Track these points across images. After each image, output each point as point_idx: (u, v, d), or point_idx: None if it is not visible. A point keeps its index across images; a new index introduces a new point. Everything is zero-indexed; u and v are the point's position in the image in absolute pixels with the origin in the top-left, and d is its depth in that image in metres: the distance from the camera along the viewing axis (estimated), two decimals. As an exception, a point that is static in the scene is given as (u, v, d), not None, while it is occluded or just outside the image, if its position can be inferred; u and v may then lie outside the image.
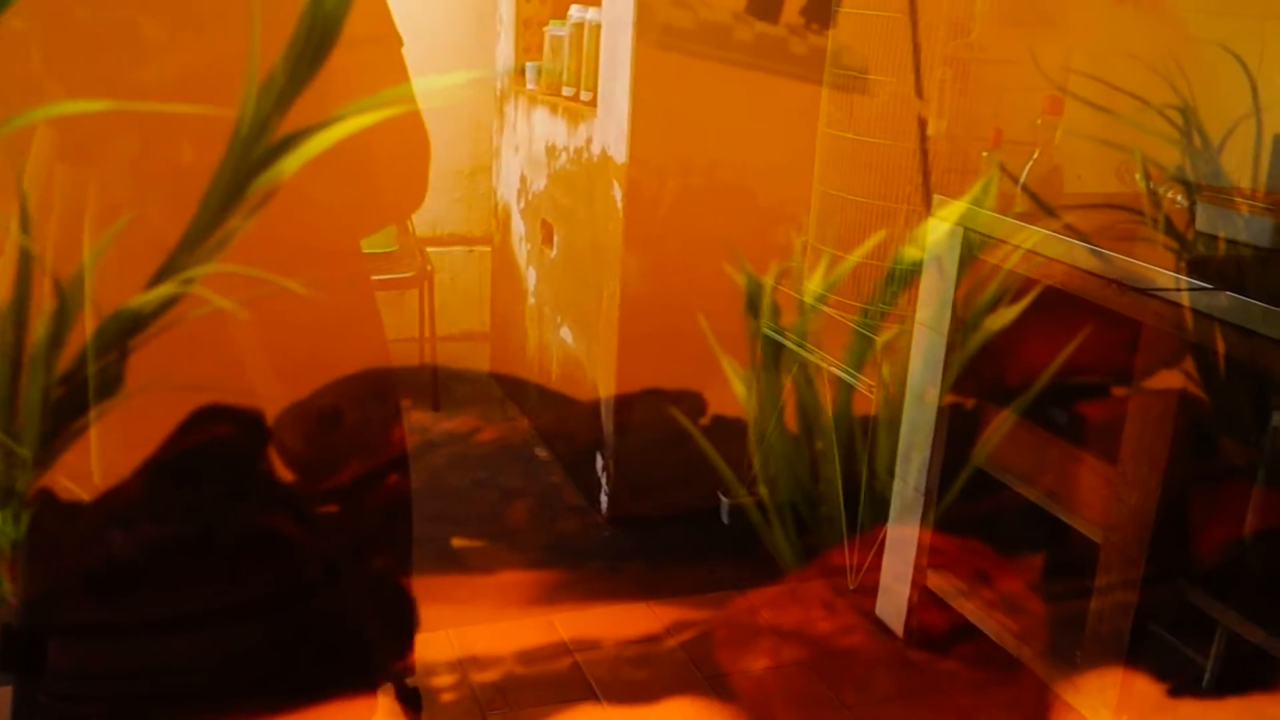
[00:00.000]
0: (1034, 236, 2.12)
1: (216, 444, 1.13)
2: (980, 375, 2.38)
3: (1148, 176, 2.12)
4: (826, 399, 2.68)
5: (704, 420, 3.01)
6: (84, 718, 1.21)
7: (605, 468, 3.10)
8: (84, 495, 1.10)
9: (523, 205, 3.66)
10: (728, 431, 2.95)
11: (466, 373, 4.13)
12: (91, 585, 1.17)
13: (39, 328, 1.00)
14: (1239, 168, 2.09)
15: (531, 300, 3.63)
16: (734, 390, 2.82)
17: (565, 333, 3.35)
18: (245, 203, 0.97)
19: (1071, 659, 2.18)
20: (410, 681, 1.53)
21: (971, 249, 2.29)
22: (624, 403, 3.00)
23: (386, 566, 1.40)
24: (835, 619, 2.63)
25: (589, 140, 3.08)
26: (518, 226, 3.72)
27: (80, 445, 1.07)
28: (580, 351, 3.25)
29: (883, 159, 2.54)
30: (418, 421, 3.70)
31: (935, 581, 2.49)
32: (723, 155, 2.90)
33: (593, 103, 3.06)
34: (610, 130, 2.93)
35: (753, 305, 2.75)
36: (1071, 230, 2.07)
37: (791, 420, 2.75)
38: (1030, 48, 2.33)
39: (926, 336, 2.41)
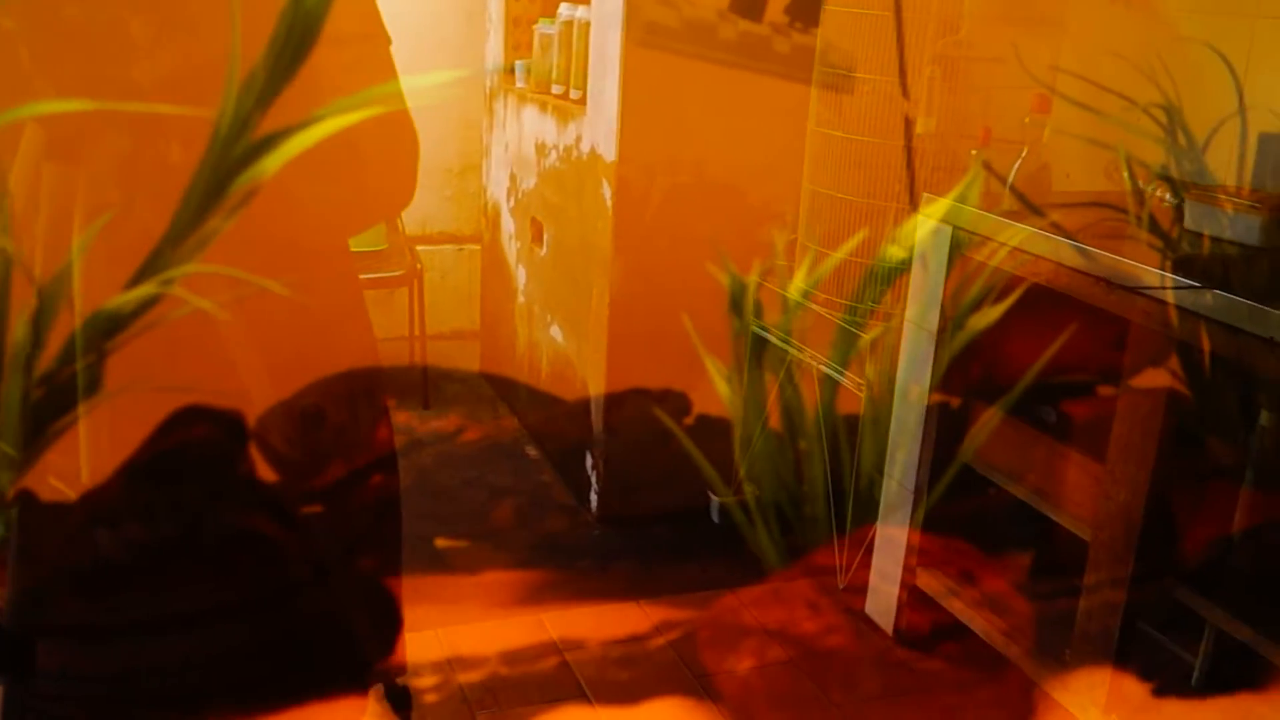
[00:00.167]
0: (1021, 234, 2.12)
1: (196, 445, 1.12)
2: (968, 373, 2.38)
3: (1133, 175, 2.12)
4: (812, 398, 2.68)
5: (689, 419, 3.01)
6: (72, 719, 1.21)
7: (595, 466, 3.10)
8: (72, 495, 1.10)
9: (512, 203, 3.66)
10: (714, 430, 2.95)
11: (456, 371, 4.13)
12: (76, 585, 1.16)
13: (19, 328, 0.99)
14: (1224, 166, 2.10)
15: (521, 299, 3.62)
16: (718, 390, 2.82)
17: (555, 331, 3.35)
18: (226, 202, 0.97)
19: (1060, 657, 2.19)
20: (400, 681, 1.53)
21: (959, 246, 2.29)
22: (614, 401, 3.00)
23: (375, 566, 1.40)
24: (825, 618, 2.63)
25: (578, 138, 3.08)
26: (507, 225, 3.71)
27: (70, 446, 1.07)
28: (570, 350, 3.25)
29: (871, 157, 2.54)
30: (407, 420, 3.70)
31: (924, 580, 2.50)
32: (712, 153, 2.91)
33: (582, 101, 3.06)
34: (600, 128, 2.93)
35: (736, 304, 2.75)
36: (1058, 228, 2.08)
37: (776, 420, 2.76)
38: (1016, 46, 2.33)
39: (914, 334, 2.41)
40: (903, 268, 2.48)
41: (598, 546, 2.99)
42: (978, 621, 2.37)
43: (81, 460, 1.08)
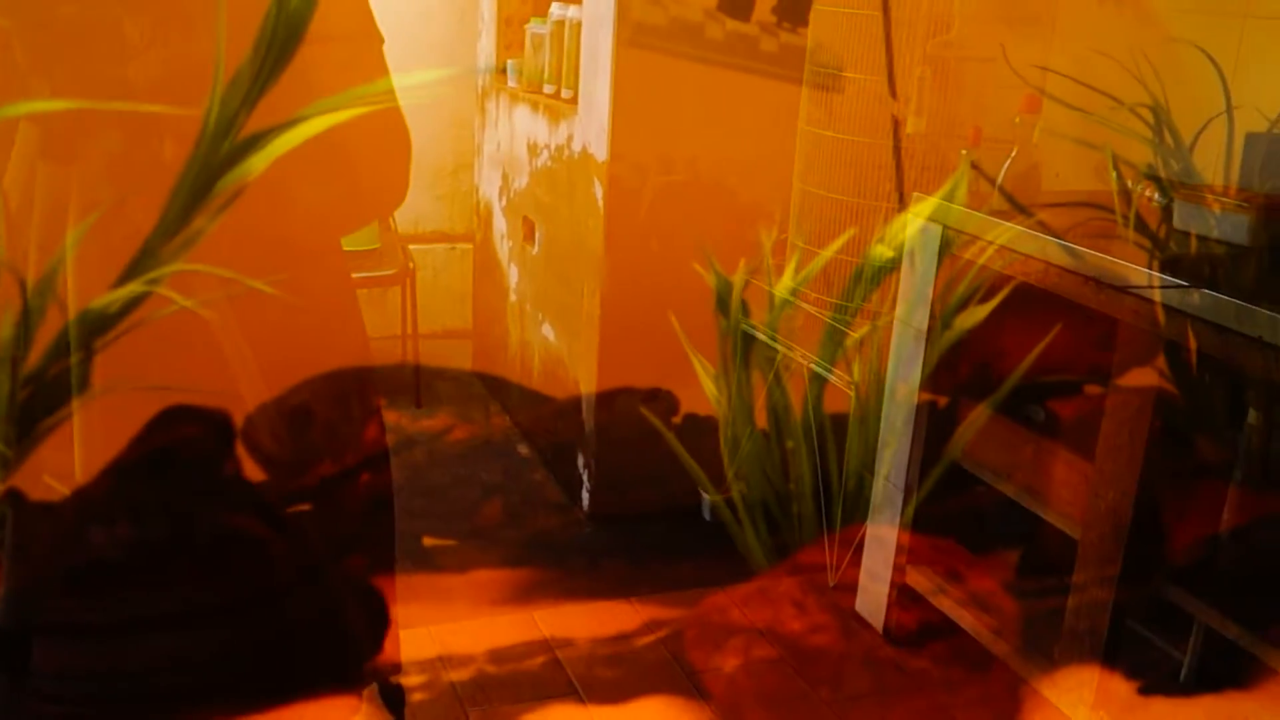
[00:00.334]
0: (1009, 233, 2.13)
1: (182, 444, 1.12)
2: (957, 371, 2.39)
3: (1120, 175, 2.13)
4: (800, 397, 2.69)
5: (677, 419, 3.01)
6: (65, 718, 1.21)
7: (587, 465, 3.10)
8: (66, 493, 1.10)
9: (504, 203, 3.66)
10: (703, 429, 2.96)
11: (448, 370, 4.13)
12: (67, 584, 1.16)
13: (5, 326, 1.00)
14: (1211, 165, 2.11)
15: (513, 297, 3.63)
16: (704, 389, 2.82)
17: (547, 330, 3.35)
18: (213, 202, 0.97)
19: (1049, 655, 2.20)
20: (394, 679, 1.53)
21: (948, 245, 2.30)
22: (605, 399, 3.00)
23: (366, 565, 1.40)
24: (815, 616, 2.64)
25: (570, 138, 3.08)
26: (499, 224, 3.72)
27: (65, 443, 1.07)
28: (562, 348, 3.25)
29: (862, 156, 2.54)
30: (398, 419, 3.70)
31: (914, 578, 2.50)
32: (704, 153, 2.91)
33: (574, 100, 3.06)
34: (591, 128, 2.94)
35: (722, 303, 2.75)
36: (1045, 227, 2.08)
37: (763, 418, 2.76)
38: (1004, 46, 2.34)
39: (903, 332, 2.42)
40: (891, 266, 2.49)
41: (589, 544, 2.99)
42: (967, 619, 2.38)
43: (76, 459, 1.09)
